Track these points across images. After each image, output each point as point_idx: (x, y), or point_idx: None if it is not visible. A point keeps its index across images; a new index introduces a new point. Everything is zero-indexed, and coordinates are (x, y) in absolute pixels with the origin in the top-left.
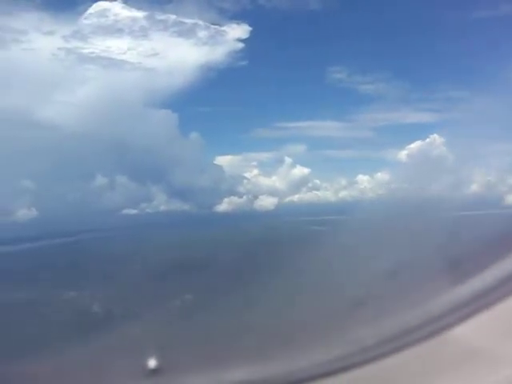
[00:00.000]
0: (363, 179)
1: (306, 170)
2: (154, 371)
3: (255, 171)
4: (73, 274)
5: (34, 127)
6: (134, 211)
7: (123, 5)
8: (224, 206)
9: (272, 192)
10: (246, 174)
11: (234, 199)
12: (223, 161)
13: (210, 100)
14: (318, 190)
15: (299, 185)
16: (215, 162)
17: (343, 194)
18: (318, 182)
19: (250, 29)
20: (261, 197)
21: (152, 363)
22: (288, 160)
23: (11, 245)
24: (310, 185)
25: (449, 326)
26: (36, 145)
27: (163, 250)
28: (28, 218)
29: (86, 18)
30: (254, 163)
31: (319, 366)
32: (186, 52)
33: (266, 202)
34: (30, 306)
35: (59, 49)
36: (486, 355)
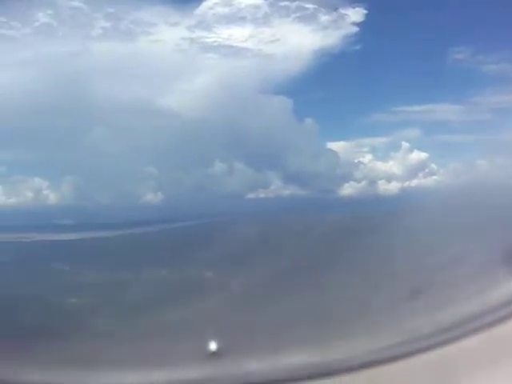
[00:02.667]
0: (482, 164)
1: (423, 155)
2: None
3: (369, 156)
4: (205, 255)
5: (156, 116)
6: (252, 196)
7: None
8: (344, 190)
9: (389, 177)
10: (361, 160)
11: (354, 184)
12: (336, 146)
13: (325, 85)
14: (435, 175)
15: (416, 170)
16: (329, 148)
17: (462, 178)
18: (434, 166)
19: (366, 12)
20: (379, 182)
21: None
22: (405, 145)
23: (139, 227)
24: (427, 170)
25: (507, 317)
26: (158, 133)
27: (292, 233)
28: (153, 203)
29: (211, 8)
30: (366, 149)
31: (377, 352)
32: (304, 37)
33: (388, 187)
34: (167, 284)
35: (183, 39)
36: None
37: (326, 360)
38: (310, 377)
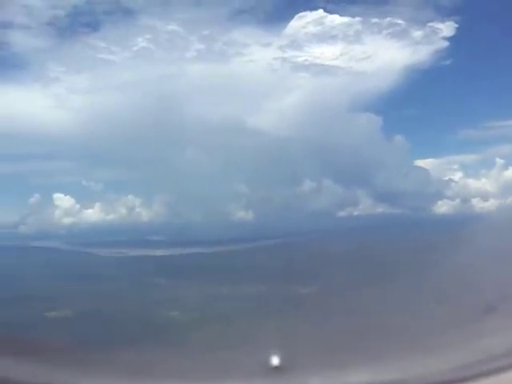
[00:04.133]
0: None
1: None
2: None
3: (459, 174)
4: (301, 271)
5: (247, 135)
6: (341, 214)
7: (339, 12)
8: (438, 208)
9: (484, 195)
10: (452, 177)
11: (448, 202)
12: (426, 164)
13: (415, 102)
14: None
15: None
16: (419, 165)
17: None
18: None
19: (457, 26)
20: (474, 200)
21: None
22: (500, 161)
23: (229, 244)
24: None
25: None
26: (248, 151)
27: (392, 251)
28: (243, 220)
29: (303, 27)
30: (456, 166)
31: (446, 372)
32: (395, 53)
33: (484, 205)
34: (263, 298)
35: (275, 59)
36: None
37: (392, 379)
38: None
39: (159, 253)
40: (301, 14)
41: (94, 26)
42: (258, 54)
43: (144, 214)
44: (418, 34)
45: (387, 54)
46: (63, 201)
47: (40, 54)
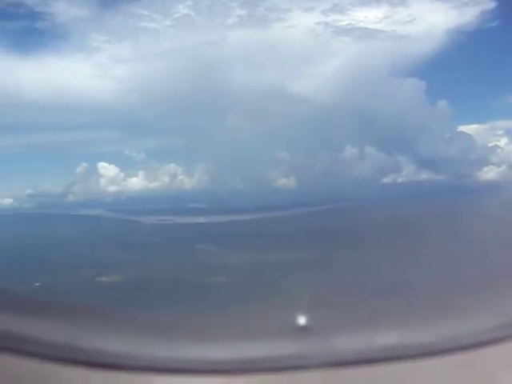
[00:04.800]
0: None
1: None
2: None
3: (504, 140)
4: (348, 239)
5: (288, 101)
6: (385, 181)
7: None
8: (484, 175)
9: None
10: (497, 143)
11: (493, 168)
12: (470, 129)
13: (459, 66)
14: None
15: None
16: (463, 131)
17: None
18: None
19: None
20: None
21: None
22: None
23: (271, 211)
24: None
25: None
26: (290, 118)
27: (438, 218)
28: (285, 187)
29: None
30: (501, 132)
31: (474, 334)
32: (440, 16)
33: None
34: (306, 264)
35: (317, 23)
36: None
37: (420, 341)
38: (402, 357)
39: (202, 220)
40: None
41: None
42: (299, 19)
43: (186, 182)
44: None
45: (432, 16)
46: (108, 169)
47: (82, 23)
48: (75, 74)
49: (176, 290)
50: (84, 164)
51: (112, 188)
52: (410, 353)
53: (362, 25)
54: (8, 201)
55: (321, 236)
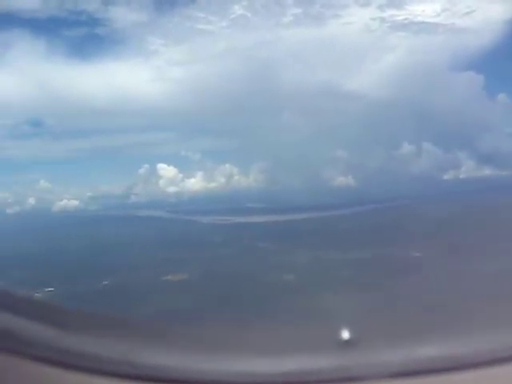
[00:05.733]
0: None
1: None
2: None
3: None
4: (407, 237)
5: (344, 99)
6: (447, 177)
7: None
8: None
9: None
10: None
11: None
12: None
13: None
14: None
15: None
16: None
17: None
18: None
19: None
20: None
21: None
22: None
23: (329, 210)
24: None
25: None
26: (346, 115)
27: (501, 215)
28: (342, 186)
29: None
30: None
31: None
32: (499, 7)
33: None
34: (368, 263)
35: (372, 19)
36: None
37: (463, 353)
38: (444, 370)
39: (260, 219)
40: None
41: None
42: (355, 15)
43: (242, 182)
44: None
45: (491, 8)
46: (167, 171)
47: (140, 27)
48: (134, 77)
49: (242, 288)
50: (146, 165)
51: (172, 189)
52: (456, 365)
53: (419, 19)
54: (74, 202)
55: (381, 235)
